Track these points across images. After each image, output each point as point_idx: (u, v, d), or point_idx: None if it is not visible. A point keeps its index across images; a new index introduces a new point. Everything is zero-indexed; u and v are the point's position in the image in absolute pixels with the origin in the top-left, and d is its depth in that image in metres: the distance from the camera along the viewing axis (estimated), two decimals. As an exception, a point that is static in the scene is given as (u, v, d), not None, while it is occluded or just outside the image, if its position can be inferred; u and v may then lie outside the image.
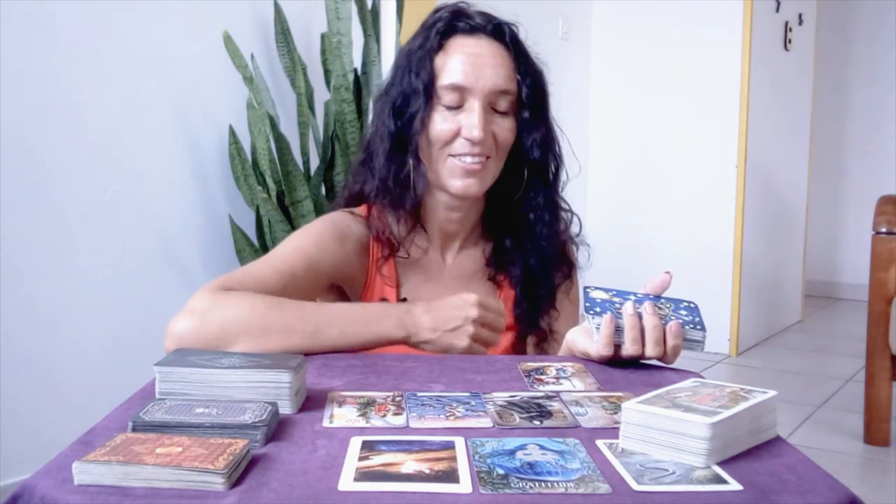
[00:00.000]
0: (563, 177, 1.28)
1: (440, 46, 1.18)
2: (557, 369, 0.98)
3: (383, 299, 1.24)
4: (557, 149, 1.27)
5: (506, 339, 1.25)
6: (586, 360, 1.04)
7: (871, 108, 5.25)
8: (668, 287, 1.05)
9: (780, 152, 4.24)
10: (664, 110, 4.06)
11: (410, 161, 1.19)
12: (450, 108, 1.17)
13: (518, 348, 1.27)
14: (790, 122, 4.34)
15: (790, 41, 4.18)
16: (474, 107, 1.16)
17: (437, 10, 1.23)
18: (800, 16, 4.26)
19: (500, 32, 1.20)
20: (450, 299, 1.08)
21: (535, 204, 1.24)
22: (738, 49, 3.80)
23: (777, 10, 4.02)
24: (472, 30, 1.19)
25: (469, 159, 1.17)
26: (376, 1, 2.52)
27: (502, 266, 1.28)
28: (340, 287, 1.27)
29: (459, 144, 1.17)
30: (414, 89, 1.18)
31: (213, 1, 2.41)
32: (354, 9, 2.49)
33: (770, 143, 4.08)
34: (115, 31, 2.20)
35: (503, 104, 1.18)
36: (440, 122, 1.17)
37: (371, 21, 2.48)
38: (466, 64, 1.16)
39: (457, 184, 1.19)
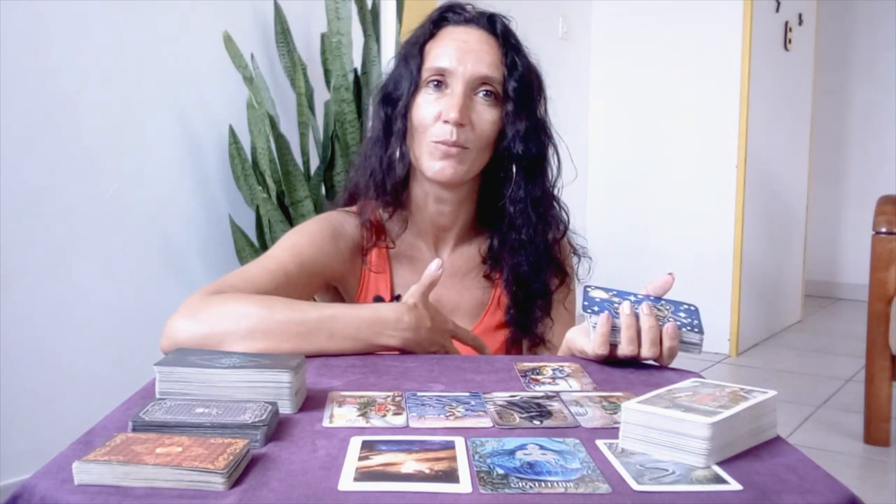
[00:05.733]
0: (553, 175, 1.26)
1: (432, 35, 1.21)
2: (554, 369, 0.98)
3: (377, 297, 1.23)
4: (548, 147, 1.25)
5: (499, 340, 1.24)
6: (584, 359, 1.04)
7: (871, 108, 5.25)
8: (670, 289, 1.05)
9: (780, 152, 4.24)
10: (664, 110, 4.06)
11: (396, 145, 1.20)
12: (434, 91, 1.18)
13: (512, 352, 1.26)
14: (790, 122, 4.34)
15: (790, 41, 4.18)
16: (456, 91, 1.16)
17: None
18: (800, 16, 4.26)
19: (492, 24, 1.21)
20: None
21: (519, 201, 1.23)
22: (738, 49, 3.80)
23: (777, 10, 4.02)
24: (465, 21, 1.21)
25: (445, 146, 1.16)
26: (376, 1, 2.52)
27: (498, 264, 1.27)
28: (336, 288, 1.27)
29: (438, 128, 1.16)
30: (403, 76, 1.20)
31: (213, 1, 2.41)
32: (354, 9, 2.49)
33: (770, 143, 4.08)
34: (114, 31, 2.20)
35: (487, 92, 1.18)
36: (423, 106, 1.18)
37: (371, 21, 2.48)
38: (451, 49, 1.18)
39: (432, 166, 1.17)
